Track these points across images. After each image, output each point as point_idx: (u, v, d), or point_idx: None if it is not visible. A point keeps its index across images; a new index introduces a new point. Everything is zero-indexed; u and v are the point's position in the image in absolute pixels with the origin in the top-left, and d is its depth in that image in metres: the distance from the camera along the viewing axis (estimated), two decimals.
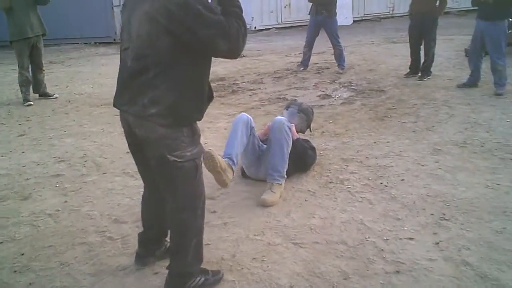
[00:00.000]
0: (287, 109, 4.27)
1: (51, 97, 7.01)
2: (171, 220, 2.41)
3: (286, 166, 3.57)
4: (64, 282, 2.60)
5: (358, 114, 5.57)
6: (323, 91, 6.74)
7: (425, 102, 5.85)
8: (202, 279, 2.47)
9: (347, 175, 3.86)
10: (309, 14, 8.04)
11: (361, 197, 3.46)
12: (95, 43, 13.68)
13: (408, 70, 7.30)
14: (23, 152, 4.75)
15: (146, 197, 2.68)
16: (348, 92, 6.63)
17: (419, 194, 3.45)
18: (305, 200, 3.45)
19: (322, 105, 6.03)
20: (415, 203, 3.33)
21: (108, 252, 2.89)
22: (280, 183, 3.52)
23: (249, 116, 3.64)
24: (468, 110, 5.45)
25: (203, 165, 2.65)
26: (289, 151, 3.59)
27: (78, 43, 13.67)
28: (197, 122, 2.32)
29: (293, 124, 3.98)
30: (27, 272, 2.72)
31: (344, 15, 14.63)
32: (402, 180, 3.71)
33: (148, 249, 2.72)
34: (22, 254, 2.90)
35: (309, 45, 8.11)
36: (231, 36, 2.10)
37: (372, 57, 9.22)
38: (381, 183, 3.68)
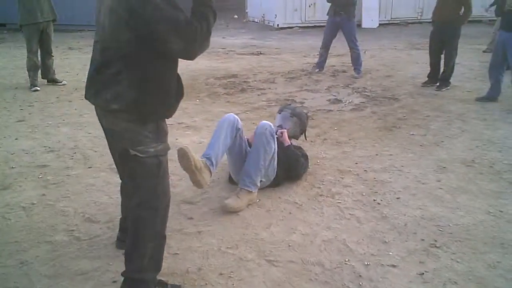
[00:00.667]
0: (280, 113, 4.06)
1: (59, 84, 6.94)
2: (130, 216, 2.32)
3: (260, 173, 3.35)
4: (18, 283, 2.47)
5: (366, 122, 5.31)
6: (334, 95, 6.49)
7: (439, 114, 5.55)
8: None
9: (340, 188, 3.64)
10: (327, 14, 7.77)
11: (349, 214, 3.23)
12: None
13: (426, 79, 6.98)
14: (16, 139, 4.66)
15: (122, 186, 2.66)
16: (360, 98, 6.36)
17: (413, 216, 3.20)
18: (290, 213, 3.24)
19: (330, 110, 5.78)
20: (406, 225, 3.09)
21: (71, 253, 2.74)
22: (250, 190, 3.31)
23: (236, 117, 3.44)
24: (482, 126, 5.14)
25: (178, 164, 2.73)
26: (271, 158, 3.38)
27: (84, 30, 13.63)
28: (170, 119, 2.29)
29: (285, 129, 3.78)
30: None
31: (370, 18, 14.30)
32: (398, 198, 3.47)
33: (126, 234, 2.49)
34: None
35: (326, 46, 7.86)
36: (186, 35, 1.95)
37: (392, 63, 8.89)
38: (374, 200, 3.44)
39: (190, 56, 2.07)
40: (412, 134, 4.87)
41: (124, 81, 2.07)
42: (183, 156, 2.85)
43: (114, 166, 3.87)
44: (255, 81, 7.37)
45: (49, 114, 5.54)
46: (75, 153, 4.30)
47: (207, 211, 3.26)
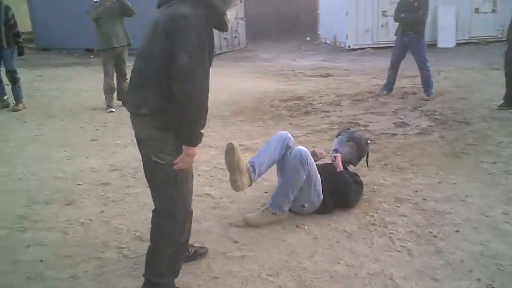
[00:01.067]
0: (337, 136, 3.98)
1: None
2: (151, 223, 2.46)
3: (287, 199, 3.31)
4: None
5: (432, 147, 5.06)
6: (400, 119, 6.27)
7: None
8: None
9: (394, 217, 3.47)
10: (395, 34, 7.57)
11: (401, 246, 3.07)
12: None
13: (502, 101, 6.54)
14: (87, 157, 4.95)
15: None
16: (428, 122, 6.08)
17: (471, 252, 2.98)
18: (337, 242, 3.14)
19: (395, 134, 5.58)
20: (462, 262, 2.87)
21: (117, 270, 2.84)
22: (274, 212, 3.31)
23: (289, 135, 3.49)
24: None
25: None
26: (303, 185, 3.31)
27: None
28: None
29: (339, 154, 3.69)
30: (38, 279, 2.77)
31: (446, 37, 13.75)
32: (457, 231, 3.24)
33: None
34: (41, 261, 2.96)
35: (394, 67, 7.64)
36: (191, 77, 2.17)
37: (467, 84, 8.44)
38: (430, 232, 3.24)
39: (180, 84, 2.18)
40: (481, 162, 4.56)
41: (152, 87, 2.25)
42: (230, 151, 2.99)
43: None
44: (320, 103, 7.31)
45: (120, 134, 5.83)
46: (137, 172, 4.47)
47: (254, 236, 3.24)
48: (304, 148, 3.35)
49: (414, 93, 7.79)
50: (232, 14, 2.50)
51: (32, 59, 13.63)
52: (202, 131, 2.31)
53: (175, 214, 2.39)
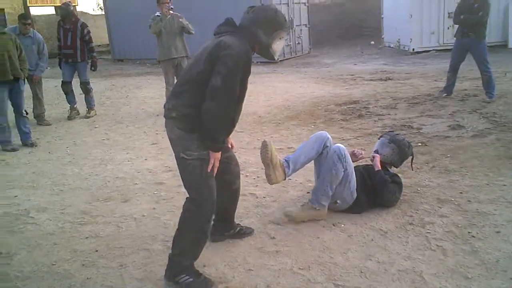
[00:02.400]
0: (379, 138, 4.03)
1: None
2: (182, 208, 2.80)
3: (326, 194, 3.41)
4: (113, 282, 2.88)
5: (485, 149, 4.93)
6: (457, 121, 6.12)
7: None
8: (191, 279, 2.70)
9: (434, 218, 3.47)
10: (454, 36, 7.39)
11: (436, 245, 3.08)
12: (257, 62, 14.46)
13: None
14: (145, 159, 5.33)
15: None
16: (486, 124, 5.90)
17: (509, 252, 2.93)
18: (372, 240, 3.21)
19: (448, 136, 5.48)
20: (498, 261, 2.84)
21: (161, 261, 3.07)
22: (314, 206, 3.44)
23: (328, 135, 3.60)
24: None
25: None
26: (340, 181, 3.41)
27: None
28: None
29: (377, 155, 3.75)
30: (91, 267, 3.07)
31: None
32: (498, 232, 3.20)
33: (217, 228, 3.21)
34: (96, 251, 3.28)
35: (454, 70, 7.45)
36: (221, 97, 2.54)
37: None
38: (469, 232, 3.22)
39: (209, 110, 2.55)
40: None
41: (185, 98, 2.65)
42: (264, 147, 3.23)
43: None
44: (376, 107, 7.29)
45: None
46: None
47: (291, 232, 3.38)
48: (342, 146, 3.45)
49: (476, 95, 7.54)
50: (279, 46, 2.82)
51: (108, 70, 14.64)
52: (224, 136, 2.72)
53: (203, 204, 2.69)
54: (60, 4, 7.85)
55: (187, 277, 2.71)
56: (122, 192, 4.35)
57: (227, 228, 3.29)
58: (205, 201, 2.69)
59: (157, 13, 7.20)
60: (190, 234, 2.72)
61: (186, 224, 2.73)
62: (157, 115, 7.68)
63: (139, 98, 9.22)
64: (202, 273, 2.81)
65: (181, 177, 2.80)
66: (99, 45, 21.17)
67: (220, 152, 2.70)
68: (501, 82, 8.51)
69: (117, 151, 5.72)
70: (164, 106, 2.84)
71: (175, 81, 7.50)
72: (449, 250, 3.01)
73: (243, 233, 3.33)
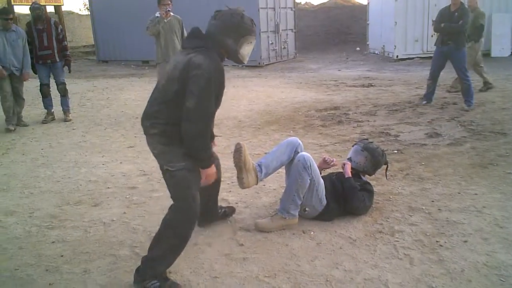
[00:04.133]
0: (353, 146, 4.03)
1: None
2: (166, 214, 2.84)
3: (294, 203, 3.40)
4: None
5: (460, 158, 4.96)
6: (435, 129, 6.16)
7: None
8: (158, 284, 2.70)
9: (404, 226, 3.47)
10: (434, 44, 7.46)
11: (404, 254, 3.08)
12: (242, 66, 14.44)
13: None
14: (120, 163, 5.27)
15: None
16: (462, 132, 5.95)
17: (475, 262, 2.94)
18: (340, 248, 3.19)
19: (424, 144, 5.51)
20: (463, 271, 2.85)
21: (127, 267, 3.04)
22: (283, 216, 3.44)
23: (300, 142, 3.61)
24: None
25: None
26: (307, 190, 3.40)
27: (227, 65, 14.55)
28: None
29: (348, 162, 3.75)
30: (55, 272, 3.01)
31: (500, 46, 13.25)
32: (465, 241, 3.20)
33: (203, 216, 3.32)
34: (62, 256, 3.22)
35: (434, 77, 7.52)
36: (195, 124, 2.62)
37: None
38: (437, 241, 3.22)
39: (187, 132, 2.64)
40: (509, 173, 4.44)
41: (163, 117, 2.71)
42: (237, 150, 3.25)
43: None
44: (356, 113, 7.31)
45: None
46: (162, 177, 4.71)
47: (260, 239, 3.36)
48: (307, 154, 3.44)
49: (455, 104, 7.62)
50: (247, 50, 2.82)
51: (91, 71, 14.53)
52: (207, 153, 2.77)
53: (188, 212, 2.74)
54: (31, 4, 7.55)
55: (156, 282, 2.70)
56: (94, 196, 4.29)
57: (213, 214, 3.53)
58: (190, 209, 2.74)
59: (156, 14, 7.13)
60: (171, 241, 2.74)
61: (169, 230, 2.75)
62: (137, 117, 7.62)
63: (120, 100, 9.14)
64: (169, 278, 2.81)
65: (168, 189, 2.86)
66: (84, 46, 21.10)
67: (212, 167, 2.81)
68: (481, 90, 8.61)
69: (92, 153, 5.65)
70: (142, 123, 2.82)
71: None
72: (416, 259, 3.01)
73: (227, 214, 3.64)
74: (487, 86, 8.57)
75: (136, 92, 10.07)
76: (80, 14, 26.36)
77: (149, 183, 4.59)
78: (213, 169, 2.84)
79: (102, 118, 7.63)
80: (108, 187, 4.51)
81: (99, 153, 5.64)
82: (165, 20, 7.04)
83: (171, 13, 7.09)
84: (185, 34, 7.33)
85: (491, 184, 4.19)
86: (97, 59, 17.14)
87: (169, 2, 6.98)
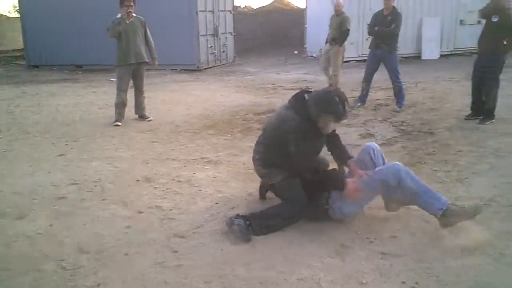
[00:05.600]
0: None
1: (147, 119, 7.35)
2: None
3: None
4: None
5: (391, 157, 5.10)
6: (368, 130, 6.37)
7: (472, 149, 5.25)
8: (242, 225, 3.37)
9: (337, 224, 3.53)
10: (369, 48, 7.71)
11: (336, 252, 3.14)
12: (180, 70, 14.29)
13: (470, 112, 6.64)
14: (49, 172, 5.02)
15: None
16: (394, 132, 6.18)
17: (402, 257, 3.05)
18: (275, 249, 3.21)
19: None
20: (391, 266, 2.95)
21: (53, 282, 2.90)
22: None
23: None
24: None
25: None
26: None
27: (165, 70, 14.36)
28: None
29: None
30: None
31: (430, 49, 13.91)
32: (393, 237, 3.32)
33: None
34: None
35: (367, 80, 7.77)
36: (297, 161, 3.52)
37: (442, 95, 8.57)
38: (367, 238, 3.32)
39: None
40: (435, 170, 4.65)
41: (272, 166, 3.66)
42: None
43: (126, 200, 4.13)
44: None
45: (89, 149, 5.90)
46: (95, 186, 4.55)
47: (195, 245, 3.31)
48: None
49: (387, 105, 7.91)
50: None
51: (20, 76, 13.85)
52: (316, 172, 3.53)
53: (295, 208, 3.49)
54: None
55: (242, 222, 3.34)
56: (18, 208, 4.04)
57: None
58: (292, 209, 3.49)
59: (118, 15, 6.88)
60: (281, 218, 3.46)
61: (281, 210, 3.50)
62: (69, 124, 7.34)
63: (51, 107, 8.75)
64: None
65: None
66: (14, 50, 20.05)
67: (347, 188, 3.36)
68: (413, 92, 9.01)
69: (19, 163, 5.35)
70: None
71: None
72: (348, 257, 3.08)
73: None
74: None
75: (69, 98, 9.69)
76: (9, 17, 25.09)
77: (79, 192, 4.41)
78: (348, 189, 3.36)
79: (31, 125, 7.25)
80: (35, 198, 4.28)
81: (26, 163, 5.35)
82: (127, 22, 6.85)
83: (134, 14, 6.91)
84: (149, 34, 7.19)
85: None
86: (27, 64, 16.33)
87: (132, 4, 6.80)
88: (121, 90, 7.13)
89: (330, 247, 3.21)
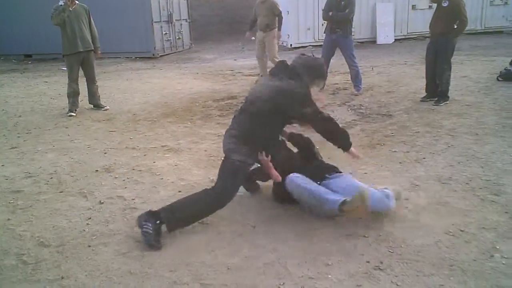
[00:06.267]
0: None
1: (102, 109, 7.13)
2: (204, 189, 3.34)
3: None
4: None
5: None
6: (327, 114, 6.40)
7: (429, 130, 5.39)
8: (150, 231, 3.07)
9: (298, 209, 3.55)
10: (324, 32, 7.75)
11: (302, 235, 3.15)
12: (135, 57, 13.97)
13: (425, 94, 6.82)
14: (2, 165, 4.81)
15: None
16: (353, 116, 6.27)
17: (364, 236, 3.10)
18: (240, 235, 3.19)
19: None
20: (356, 246, 2.99)
21: (14, 277, 2.79)
22: None
23: None
24: (471, 141, 4.95)
25: None
26: None
27: (120, 57, 14.00)
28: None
29: None
30: None
31: (384, 33, 14.16)
32: (359, 218, 3.35)
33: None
34: None
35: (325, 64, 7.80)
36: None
37: (398, 78, 8.75)
38: (332, 220, 3.34)
39: None
40: (395, 151, 4.75)
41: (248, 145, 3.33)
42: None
43: (84, 191, 4.01)
44: None
45: (43, 140, 5.69)
46: (51, 178, 4.39)
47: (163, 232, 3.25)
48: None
49: (345, 89, 8.00)
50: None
51: None
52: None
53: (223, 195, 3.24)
54: None
55: (150, 227, 3.06)
56: None
57: None
58: (225, 195, 3.24)
59: (60, 3, 6.60)
60: (196, 207, 3.21)
61: (200, 201, 3.22)
62: (20, 116, 7.05)
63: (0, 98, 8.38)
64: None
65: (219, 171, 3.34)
66: None
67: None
68: (370, 76, 9.15)
69: None
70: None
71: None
72: (313, 239, 3.10)
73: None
74: None
75: (18, 89, 9.29)
76: None
77: (36, 185, 4.25)
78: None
79: None
80: None
81: None
82: (70, 9, 6.58)
83: (77, 1, 6.67)
84: (93, 23, 6.95)
85: (378, 163, 4.44)
86: None
87: None
88: (72, 80, 6.91)
89: (295, 231, 3.22)
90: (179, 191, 3.94)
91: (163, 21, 14.33)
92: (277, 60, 8.84)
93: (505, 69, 7.96)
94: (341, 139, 3.49)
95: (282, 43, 14.52)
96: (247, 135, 3.30)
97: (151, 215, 3.11)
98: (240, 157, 3.24)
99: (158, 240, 3.06)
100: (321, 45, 8.39)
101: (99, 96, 7.23)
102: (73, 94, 6.93)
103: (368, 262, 2.81)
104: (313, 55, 3.61)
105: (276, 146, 3.61)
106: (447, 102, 6.54)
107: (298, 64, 3.43)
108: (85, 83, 7.14)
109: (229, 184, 3.26)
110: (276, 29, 8.86)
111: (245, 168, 3.32)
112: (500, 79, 7.82)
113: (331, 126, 3.45)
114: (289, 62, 3.53)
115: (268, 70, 8.99)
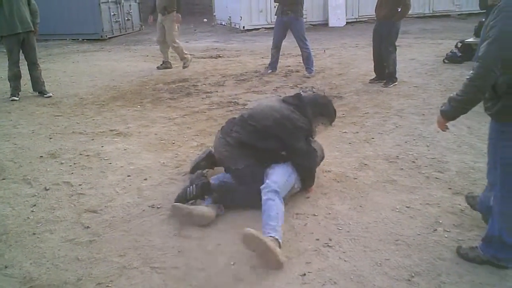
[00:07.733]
0: None
1: (45, 95, 6.74)
2: None
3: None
4: None
5: None
6: (279, 96, 6.42)
7: (378, 111, 5.52)
8: None
9: None
10: (275, 15, 7.74)
11: (251, 216, 3.16)
12: (83, 39, 13.49)
13: (375, 76, 6.96)
14: None
15: None
16: None
17: (314, 215, 3.15)
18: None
19: None
20: (306, 225, 3.03)
21: None
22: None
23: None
24: (418, 121, 5.11)
25: None
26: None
27: (65, 39, 13.48)
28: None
29: None
30: None
31: (336, 16, 14.30)
32: (307, 198, 3.41)
33: None
34: None
35: (276, 47, 7.81)
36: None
37: (349, 60, 8.88)
38: (284, 200, 3.37)
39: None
40: (345, 132, 4.83)
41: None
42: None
43: (28, 177, 3.86)
44: (204, 84, 7.30)
45: None
46: None
47: (107, 219, 3.18)
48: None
49: (298, 71, 8.04)
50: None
51: None
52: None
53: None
54: None
55: None
56: None
57: None
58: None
59: None
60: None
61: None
62: None
63: None
64: None
65: None
66: None
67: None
68: (321, 58, 9.23)
69: None
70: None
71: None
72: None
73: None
74: (165, 65, 8.72)
75: None
76: None
77: None
78: None
79: None
80: None
81: None
82: None
83: None
84: (33, 2, 6.61)
85: (330, 144, 4.50)
86: None
87: None
88: (13, 63, 6.58)
89: (246, 213, 3.22)
90: (128, 176, 3.86)
91: (111, 1, 13.87)
92: (176, 45, 8.35)
93: (451, 51, 8.24)
94: (306, 182, 3.45)
95: (235, 25, 14.43)
96: (243, 144, 3.34)
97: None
98: (242, 163, 3.30)
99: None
100: (273, 28, 8.38)
101: (43, 81, 6.86)
102: (14, 78, 6.60)
103: (317, 239, 2.86)
104: (324, 93, 3.81)
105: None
106: (396, 83, 6.70)
107: (307, 97, 3.48)
108: (27, 68, 6.79)
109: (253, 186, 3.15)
110: (175, 11, 8.27)
111: (255, 168, 3.31)
112: (446, 61, 8.09)
113: (307, 172, 3.43)
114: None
115: (169, 55, 8.59)
